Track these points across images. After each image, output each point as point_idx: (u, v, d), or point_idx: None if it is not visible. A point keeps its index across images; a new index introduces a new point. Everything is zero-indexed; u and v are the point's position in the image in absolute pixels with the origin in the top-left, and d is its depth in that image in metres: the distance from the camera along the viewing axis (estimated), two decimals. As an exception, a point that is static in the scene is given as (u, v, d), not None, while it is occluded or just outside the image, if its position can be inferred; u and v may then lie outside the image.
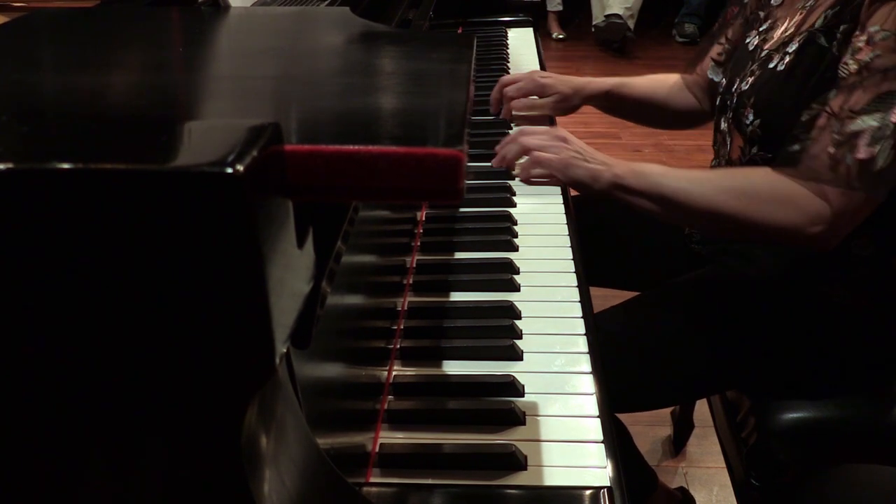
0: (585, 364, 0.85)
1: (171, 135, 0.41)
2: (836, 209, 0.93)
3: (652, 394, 1.14)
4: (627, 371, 1.07)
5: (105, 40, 0.68)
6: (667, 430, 1.81)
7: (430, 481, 0.70)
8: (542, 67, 1.80)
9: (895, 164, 0.89)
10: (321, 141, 0.41)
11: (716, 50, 1.31)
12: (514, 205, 1.18)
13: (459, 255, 1.07)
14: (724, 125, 1.16)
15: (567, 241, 1.10)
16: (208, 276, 0.37)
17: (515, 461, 0.71)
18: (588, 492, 0.69)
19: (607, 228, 1.37)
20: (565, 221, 1.14)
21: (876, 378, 1.11)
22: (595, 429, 0.76)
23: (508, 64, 1.81)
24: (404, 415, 0.79)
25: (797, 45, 1.02)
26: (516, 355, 0.87)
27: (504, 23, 2.12)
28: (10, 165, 0.35)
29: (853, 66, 0.92)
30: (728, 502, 1.54)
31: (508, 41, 1.99)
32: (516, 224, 1.14)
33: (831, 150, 0.91)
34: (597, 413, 0.78)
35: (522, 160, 1.08)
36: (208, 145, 0.38)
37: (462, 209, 1.17)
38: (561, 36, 4.76)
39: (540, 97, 1.39)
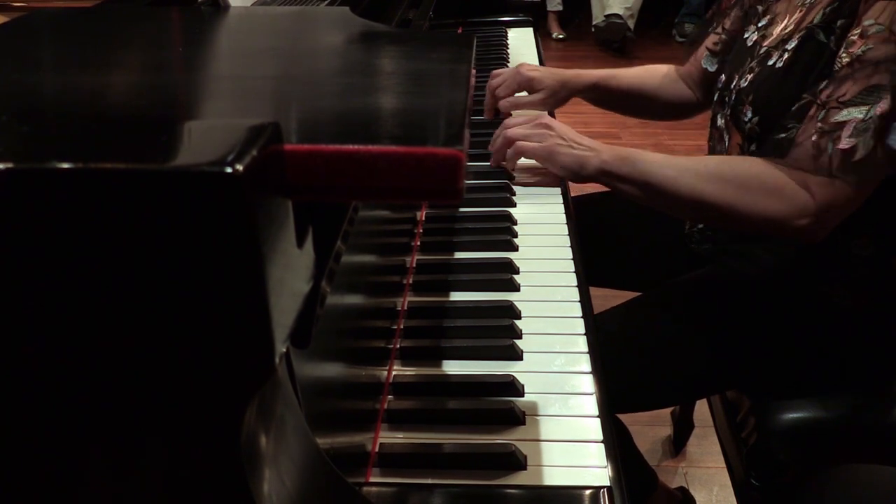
0: (585, 364, 0.85)
1: (170, 134, 0.41)
2: (819, 201, 0.92)
3: (652, 394, 1.14)
4: (627, 371, 1.07)
5: (105, 40, 0.68)
6: (667, 430, 1.81)
7: (429, 481, 0.70)
8: (542, 67, 1.79)
9: (875, 155, 0.89)
10: (321, 141, 0.41)
11: (711, 39, 1.30)
12: (513, 205, 1.18)
13: (459, 255, 1.07)
14: (720, 121, 1.16)
15: (567, 240, 1.09)
16: (208, 275, 0.37)
17: (515, 461, 0.71)
18: (588, 492, 0.69)
19: (607, 228, 1.37)
20: (565, 221, 1.14)
21: (876, 378, 1.11)
22: (595, 429, 0.76)
23: (508, 64, 1.81)
24: (404, 414, 0.79)
25: (796, 41, 1.01)
26: (516, 355, 0.87)
27: (504, 23, 2.12)
28: (10, 165, 0.35)
29: (846, 59, 0.92)
30: (728, 502, 1.54)
31: (508, 41, 1.99)
32: (516, 224, 1.13)
33: (815, 138, 0.91)
34: (597, 413, 0.78)
35: (525, 162, 1.08)
36: (208, 145, 0.38)
37: (462, 209, 1.16)
38: (561, 36, 4.77)
39: (529, 92, 1.39)
